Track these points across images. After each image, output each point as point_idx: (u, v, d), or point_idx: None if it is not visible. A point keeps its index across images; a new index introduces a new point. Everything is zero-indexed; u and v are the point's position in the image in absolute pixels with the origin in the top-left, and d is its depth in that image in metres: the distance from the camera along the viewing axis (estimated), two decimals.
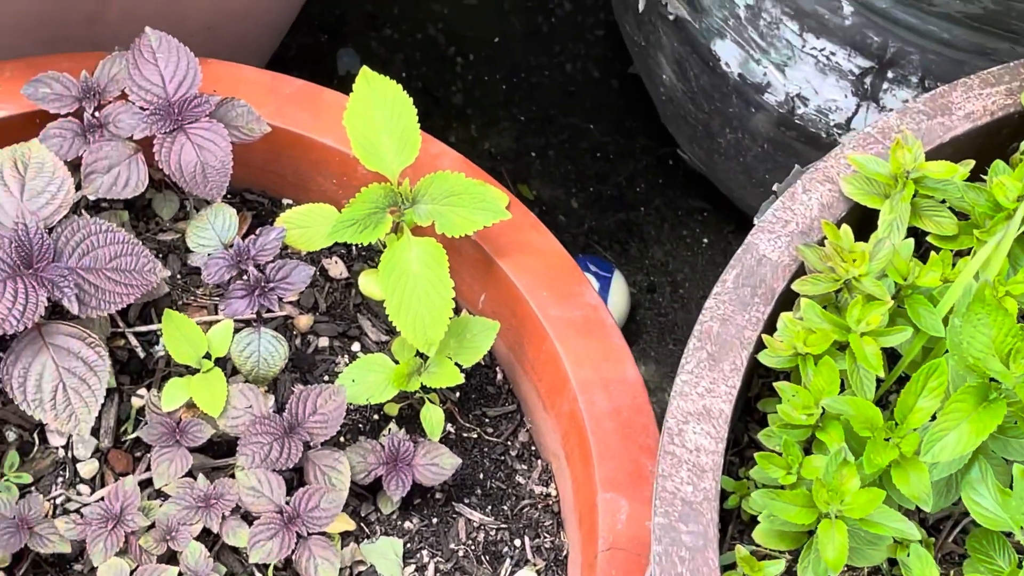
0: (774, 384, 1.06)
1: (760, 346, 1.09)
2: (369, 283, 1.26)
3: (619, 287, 1.81)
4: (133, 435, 1.22)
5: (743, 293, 1.11)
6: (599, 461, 1.18)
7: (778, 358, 1.07)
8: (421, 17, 2.04)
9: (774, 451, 1.07)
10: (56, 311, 1.16)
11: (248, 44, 1.62)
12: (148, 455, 1.21)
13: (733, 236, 1.93)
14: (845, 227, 1.10)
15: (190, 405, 1.19)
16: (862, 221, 1.14)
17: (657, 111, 1.89)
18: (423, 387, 1.22)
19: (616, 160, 1.96)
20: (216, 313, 1.28)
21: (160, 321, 1.26)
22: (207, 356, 1.20)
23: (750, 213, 1.85)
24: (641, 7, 1.64)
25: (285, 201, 1.36)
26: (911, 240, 1.09)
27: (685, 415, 1.05)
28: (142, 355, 1.25)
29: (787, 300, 1.11)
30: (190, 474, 1.18)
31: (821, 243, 1.11)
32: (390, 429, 1.25)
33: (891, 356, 1.11)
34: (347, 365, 1.27)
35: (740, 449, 1.16)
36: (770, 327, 1.09)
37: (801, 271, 1.11)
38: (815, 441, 1.06)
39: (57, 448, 1.21)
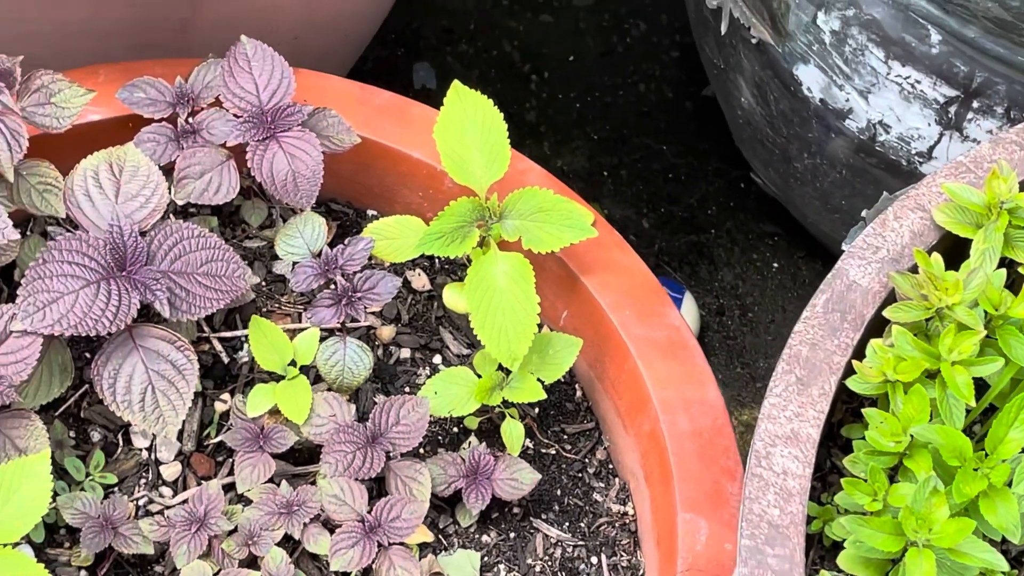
0: (863, 410, 1.06)
1: (848, 372, 1.09)
2: (453, 296, 1.27)
3: (689, 308, 1.81)
4: (216, 439, 1.23)
5: (832, 318, 1.11)
6: (679, 482, 1.18)
7: (867, 385, 1.06)
8: (497, 34, 2.05)
9: (859, 477, 1.06)
10: (145, 314, 1.17)
11: (332, 55, 1.63)
12: (230, 459, 1.22)
13: (803, 261, 1.92)
14: (936, 255, 1.10)
15: (273, 411, 1.20)
16: (952, 250, 1.13)
17: (731, 134, 1.89)
18: (504, 402, 1.23)
19: (688, 182, 1.96)
20: (300, 321, 1.28)
21: (244, 327, 1.28)
22: (292, 363, 1.21)
23: (822, 239, 1.85)
24: (723, 29, 1.64)
25: (370, 212, 1.37)
26: (1003, 270, 1.09)
27: (773, 438, 1.05)
28: (226, 360, 1.26)
29: (876, 326, 1.11)
30: (271, 480, 1.19)
31: (911, 271, 1.11)
32: (470, 442, 1.25)
33: (978, 387, 1.11)
34: (428, 377, 1.28)
35: (823, 474, 1.16)
36: (859, 353, 1.09)
37: (891, 298, 1.11)
38: (900, 469, 1.05)
39: (141, 450, 1.22)
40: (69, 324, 1.10)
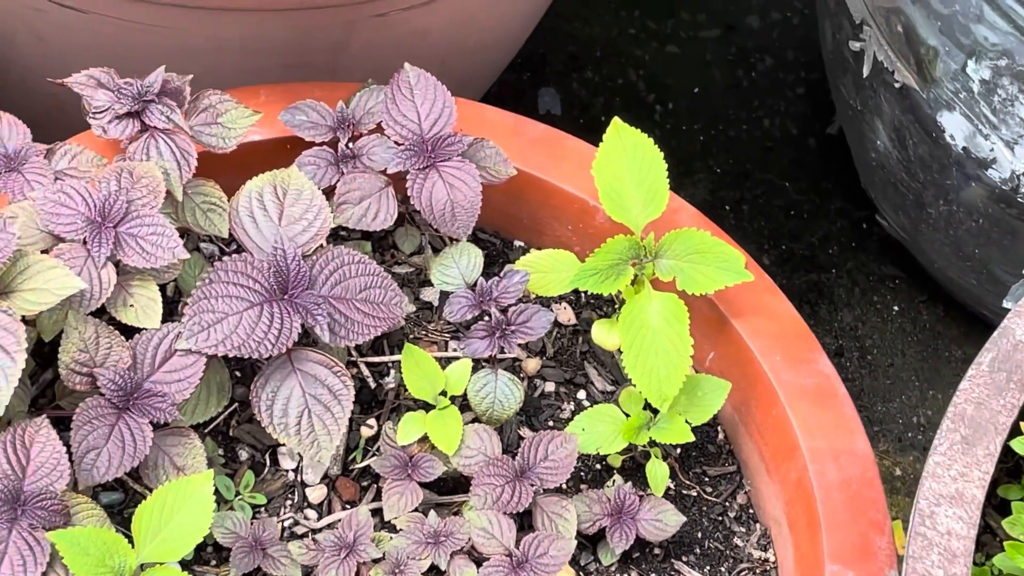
0: None
1: (1013, 432, 1.08)
2: (602, 333, 1.27)
3: None
4: (361, 464, 1.23)
5: (998, 378, 1.10)
6: (827, 532, 1.17)
7: None
8: (623, 62, 2.04)
9: (1020, 540, 1.05)
10: (302, 337, 1.17)
11: (472, 81, 1.64)
12: (374, 485, 1.23)
13: (924, 306, 1.91)
14: None
15: (421, 439, 1.20)
16: None
17: (858, 174, 1.88)
18: (649, 441, 1.22)
19: (810, 220, 1.95)
20: (446, 349, 1.29)
21: (391, 353, 1.28)
22: (443, 393, 1.21)
23: (947, 285, 1.84)
24: (866, 72, 1.63)
25: (517, 243, 1.37)
26: None
27: (937, 497, 1.04)
28: (372, 385, 1.26)
29: None
30: (416, 509, 1.19)
31: None
32: (614, 480, 1.25)
33: None
34: (572, 412, 1.28)
35: (976, 533, 1.15)
36: None
37: None
38: None
39: (287, 471, 1.22)
40: (232, 345, 1.11)
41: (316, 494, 1.22)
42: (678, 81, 2.04)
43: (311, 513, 1.21)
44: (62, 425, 1.10)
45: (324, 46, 1.42)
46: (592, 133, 1.37)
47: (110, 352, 1.10)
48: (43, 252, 1.10)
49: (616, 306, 1.33)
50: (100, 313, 1.12)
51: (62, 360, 1.09)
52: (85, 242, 1.12)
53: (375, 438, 1.24)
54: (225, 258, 1.13)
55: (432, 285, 1.31)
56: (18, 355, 1.03)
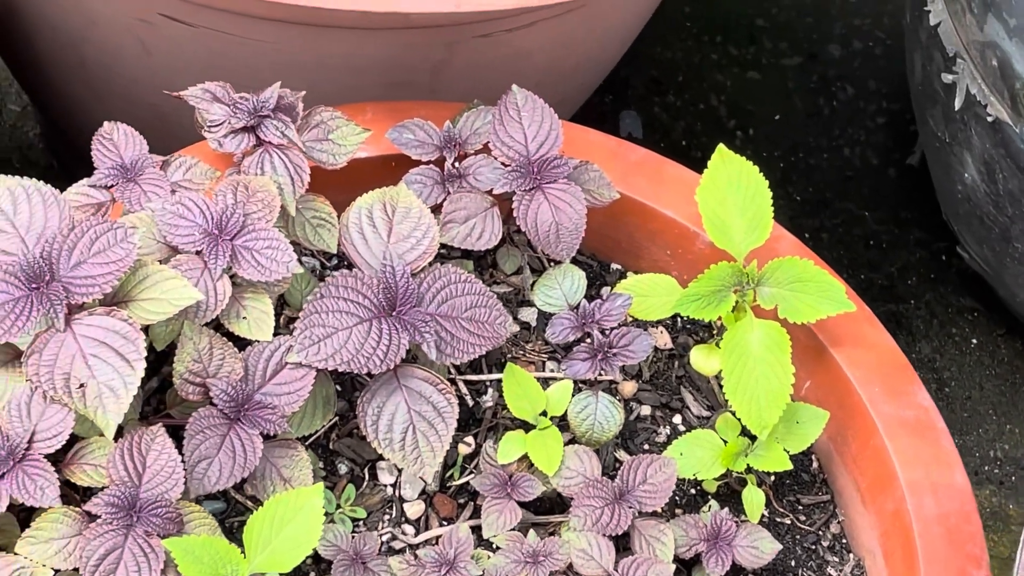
0: None
1: None
2: (701, 358, 1.27)
3: None
4: (459, 481, 1.24)
5: None
6: (925, 565, 1.17)
7: None
8: (705, 87, 2.05)
9: None
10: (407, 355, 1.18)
11: (564, 103, 1.65)
12: (471, 503, 1.23)
13: (1003, 339, 1.90)
14: None
15: (519, 459, 1.21)
16: None
17: (938, 205, 1.88)
18: (746, 468, 1.23)
19: (889, 250, 1.95)
20: (543, 369, 1.29)
21: (489, 371, 1.29)
22: (543, 413, 1.22)
23: None
24: (957, 105, 1.63)
25: (613, 265, 1.38)
26: None
27: None
28: (470, 403, 1.27)
29: None
30: (515, 528, 1.19)
31: None
32: (710, 506, 1.25)
33: None
34: (668, 436, 1.28)
35: None
36: None
37: None
38: None
39: (386, 486, 1.23)
40: (342, 360, 1.12)
41: (414, 510, 1.22)
42: (759, 108, 2.05)
43: (408, 528, 1.22)
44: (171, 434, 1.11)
45: (426, 65, 1.43)
46: (673, 157, 1.37)
47: (223, 363, 1.11)
48: (159, 262, 1.12)
49: (713, 332, 1.33)
50: (213, 325, 1.14)
51: (176, 370, 1.10)
52: (199, 253, 1.13)
53: (472, 456, 1.25)
54: (336, 273, 1.14)
55: (529, 305, 1.32)
56: (137, 364, 1.04)
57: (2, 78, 1.92)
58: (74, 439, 1.07)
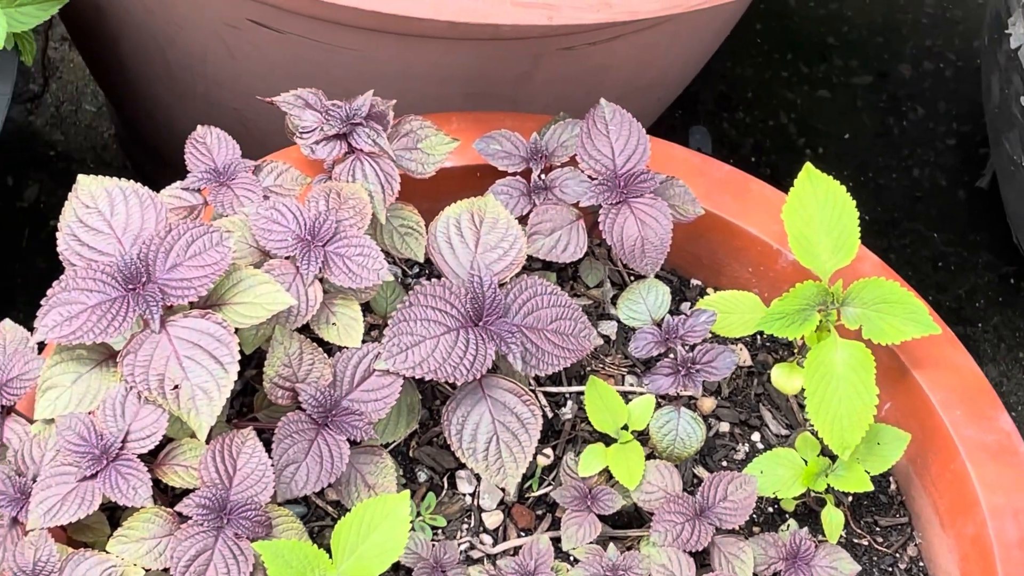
0: None
1: None
2: (782, 376, 1.27)
3: None
4: (537, 493, 1.24)
5: None
6: None
7: None
8: (774, 104, 2.05)
9: None
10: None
11: (641, 116, 1.64)
12: (548, 514, 1.24)
13: None
14: None
15: (599, 472, 1.21)
16: None
17: (1007, 228, 1.87)
18: (826, 488, 1.23)
19: (957, 272, 1.95)
20: (622, 384, 1.29)
21: (569, 383, 1.29)
22: (624, 427, 1.22)
23: None
24: None
25: (694, 281, 1.38)
26: None
27: None
28: (550, 415, 1.27)
29: None
30: (594, 541, 1.19)
31: None
32: (788, 525, 1.25)
33: None
34: (746, 453, 1.28)
35: None
36: None
37: None
38: None
39: (465, 495, 1.24)
40: (429, 368, 1.13)
41: (492, 519, 1.23)
42: (828, 126, 2.04)
43: (486, 538, 1.22)
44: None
45: (509, 77, 1.44)
46: None
47: (312, 368, 1.12)
48: (251, 267, 1.12)
49: (794, 351, 1.33)
50: (302, 329, 1.14)
51: (267, 374, 1.11)
52: (291, 259, 1.14)
53: (551, 468, 1.25)
54: (424, 282, 1.15)
55: (609, 318, 1.32)
56: (231, 367, 1.05)
57: (80, 79, 1.94)
58: (165, 440, 1.08)
